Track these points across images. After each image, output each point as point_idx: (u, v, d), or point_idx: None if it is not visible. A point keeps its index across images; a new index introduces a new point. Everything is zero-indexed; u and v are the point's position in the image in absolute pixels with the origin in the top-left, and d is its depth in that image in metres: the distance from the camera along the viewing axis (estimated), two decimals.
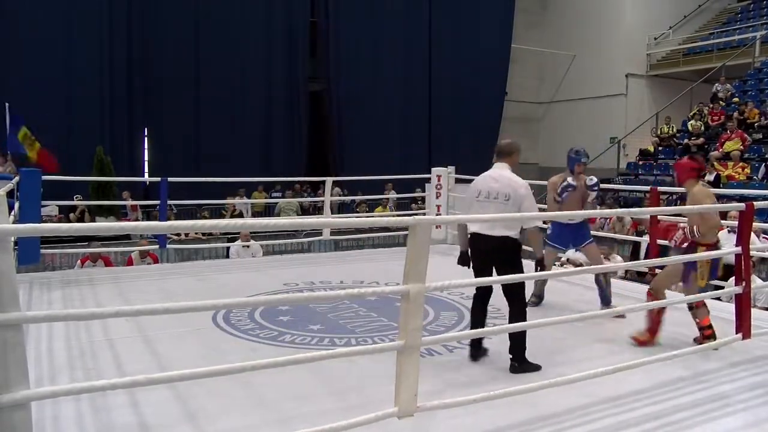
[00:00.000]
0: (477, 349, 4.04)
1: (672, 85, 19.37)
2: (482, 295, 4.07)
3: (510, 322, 3.87)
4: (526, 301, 4.00)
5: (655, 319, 4.30)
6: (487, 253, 3.90)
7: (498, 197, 3.91)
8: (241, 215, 13.20)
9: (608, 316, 4.81)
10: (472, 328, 3.99)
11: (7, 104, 10.06)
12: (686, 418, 3.27)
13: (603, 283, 5.27)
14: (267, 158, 17.17)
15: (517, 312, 3.88)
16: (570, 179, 5.20)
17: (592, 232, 5.61)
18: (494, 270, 3.92)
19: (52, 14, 14.57)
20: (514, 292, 3.88)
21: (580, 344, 4.44)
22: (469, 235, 4.00)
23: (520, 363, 3.84)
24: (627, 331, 4.64)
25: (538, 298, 5.50)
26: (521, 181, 3.96)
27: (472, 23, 19.54)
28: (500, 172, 4.01)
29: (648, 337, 4.32)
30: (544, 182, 5.85)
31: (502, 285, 3.86)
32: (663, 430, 3.14)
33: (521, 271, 3.86)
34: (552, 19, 21.91)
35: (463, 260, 4.15)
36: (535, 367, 3.85)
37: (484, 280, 3.87)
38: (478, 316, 4.05)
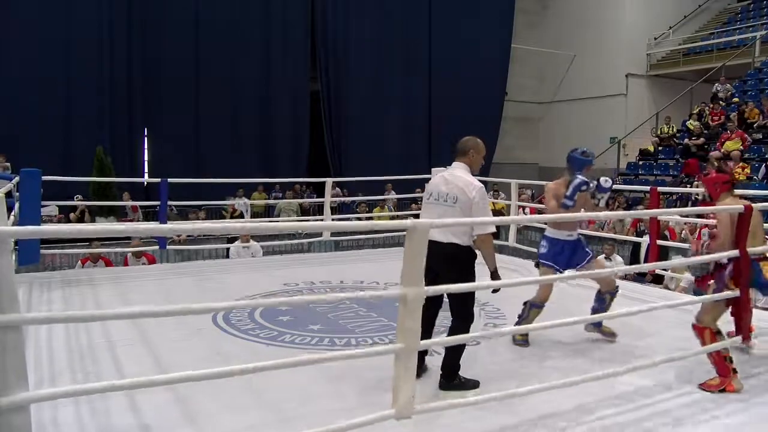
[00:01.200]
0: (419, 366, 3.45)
1: (672, 85, 19.38)
2: (432, 307, 3.56)
3: (449, 334, 3.54)
4: (473, 317, 3.59)
5: (718, 358, 3.67)
6: (437, 260, 3.27)
7: (447, 200, 3.59)
8: (241, 216, 13.19)
9: (597, 335, 4.59)
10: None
11: None
12: (688, 416, 3.29)
13: (607, 302, 4.62)
14: (268, 159, 17.16)
15: (460, 327, 3.55)
16: (581, 177, 4.53)
17: (592, 232, 5.53)
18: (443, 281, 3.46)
19: (52, 14, 14.57)
20: (459, 306, 3.55)
21: (582, 345, 4.44)
22: None
23: (448, 379, 3.52)
24: (624, 331, 4.64)
25: (524, 336, 4.49)
26: (474, 183, 3.58)
27: (472, 23, 19.53)
28: (453, 172, 3.68)
29: (721, 382, 3.65)
30: (544, 182, 5.69)
31: (448, 297, 3.53)
32: (666, 429, 3.15)
33: (471, 282, 3.50)
34: (552, 19, 21.91)
35: None
36: (473, 384, 3.52)
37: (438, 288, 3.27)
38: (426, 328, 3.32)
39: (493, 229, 3.63)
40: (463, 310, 3.58)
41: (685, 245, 7.94)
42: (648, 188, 7.49)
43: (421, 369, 3.68)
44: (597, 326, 4.61)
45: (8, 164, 9.92)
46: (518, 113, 21.92)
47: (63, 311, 4.98)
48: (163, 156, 15.95)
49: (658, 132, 16.54)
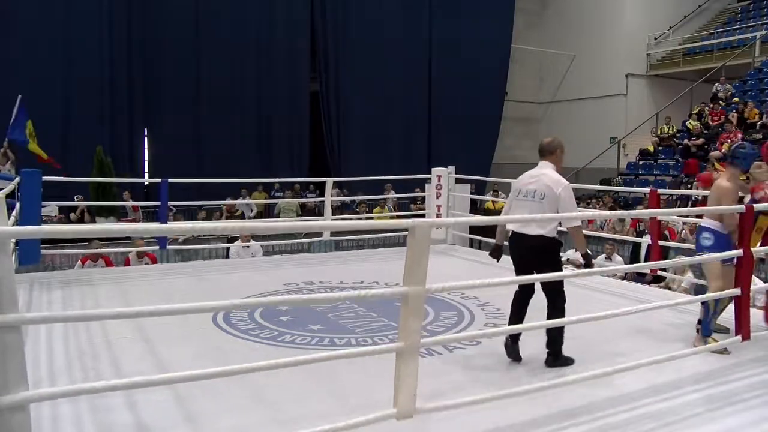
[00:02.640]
0: (513, 347, 4.02)
1: (672, 85, 19.39)
2: (523, 293, 4.07)
3: (548, 317, 3.84)
4: (565, 299, 3.93)
5: None
6: (524, 251, 3.96)
7: (535, 196, 3.93)
8: (242, 216, 13.19)
9: (704, 351, 4.04)
10: (509, 324, 4.07)
11: (20, 96, 10.02)
12: (687, 417, 3.28)
13: (710, 309, 4.18)
14: (268, 159, 17.18)
15: (556, 308, 3.87)
16: None
17: (592, 232, 5.51)
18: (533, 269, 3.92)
19: (52, 14, 14.57)
20: (552, 290, 3.90)
21: (582, 345, 4.43)
22: (509, 233, 4.08)
23: (555, 357, 3.88)
24: (623, 331, 4.65)
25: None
26: (560, 181, 3.93)
27: (472, 23, 19.54)
28: (540, 171, 4.03)
29: None
30: None
31: (541, 283, 3.85)
32: (664, 429, 3.14)
33: (559, 269, 3.91)
34: (552, 19, 21.92)
35: (493, 253, 4.42)
36: (570, 361, 3.90)
37: (522, 279, 3.85)
38: (516, 314, 4.06)
39: (579, 223, 3.99)
40: (555, 294, 3.88)
41: (686, 245, 7.95)
42: (648, 189, 7.49)
43: (516, 348, 4.01)
44: (704, 336, 4.21)
45: (13, 156, 9.84)
46: (518, 113, 21.93)
47: (63, 311, 4.97)
48: (163, 156, 15.95)
49: (658, 132, 16.54)
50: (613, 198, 13.80)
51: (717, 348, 4.05)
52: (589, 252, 4.10)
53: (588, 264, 4.05)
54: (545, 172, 3.98)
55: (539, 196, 3.90)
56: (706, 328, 4.19)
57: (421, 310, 2.69)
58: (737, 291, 3.71)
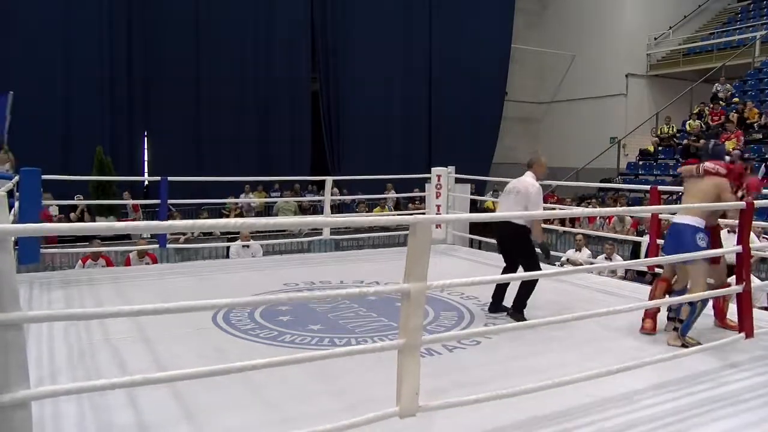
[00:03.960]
0: (496, 305, 5.20)
1: (672, 85, 19.39)
2: (507, 269, 5.30)
3: (522, 280, 4.87)
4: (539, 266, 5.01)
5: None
6: (502, 234, 5.27)
7: (513, 193, 5.20)
8: (242, 215, 13.19)
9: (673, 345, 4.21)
10: (494, 292, 5.24)
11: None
12: (688, 418, 3.27)
13: (696, 311, 4.23)
14: (268, 159, 17.17)
15: (531, 271, 4.82)
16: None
17: (592, 232, 5.61)
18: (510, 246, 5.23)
19: (52, 14, 14.58)
20: (527, 265, 5.03)
21: (583, 344, 4.43)
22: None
23: (516, 311, 4.95)
24: (624, 331, 4.64)
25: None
26: (534, 185, 5.15)
27: (472, 23, 19.55)
28: (523, 177, 5.29)
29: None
30: (546, 182, 5.81)
31: (520, 261, 5.11)
32: (665, 430, 3.14)
33: (529, 249, 5.07)
34: (552, 19, 21.92)
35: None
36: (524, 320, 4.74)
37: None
38: (501, 286, 5.22)
39: (539, 217, 5.25)
40: (528, 266, 4.99)
41: None
42: (648, 187, 7.48)
43: (499, 308, 5.20)
44: (681, 335, 4.29)
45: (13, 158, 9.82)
46: (518, 113, 21.93)
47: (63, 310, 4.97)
48: (163, 156, 15.96)
49: (658, 132, 16.54)
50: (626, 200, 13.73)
51: (693, 345, 4.04)
52: (545, 242, 5.44)
53: (545, 253, 5.38)
54: (526, 178, 5.26)
55: (515, 193, 5.17)
56: (686, 327, 4.18)
57: (422, 308, 2.68)
58: (739, 288, 3.71)
